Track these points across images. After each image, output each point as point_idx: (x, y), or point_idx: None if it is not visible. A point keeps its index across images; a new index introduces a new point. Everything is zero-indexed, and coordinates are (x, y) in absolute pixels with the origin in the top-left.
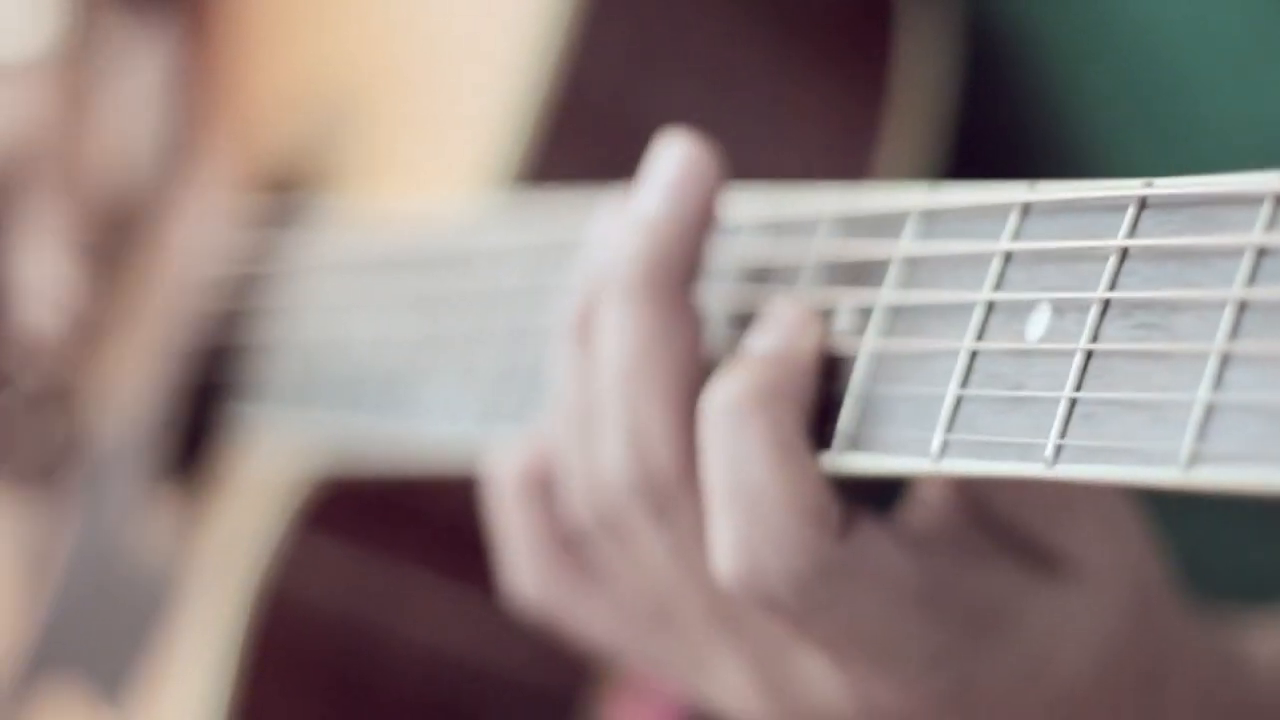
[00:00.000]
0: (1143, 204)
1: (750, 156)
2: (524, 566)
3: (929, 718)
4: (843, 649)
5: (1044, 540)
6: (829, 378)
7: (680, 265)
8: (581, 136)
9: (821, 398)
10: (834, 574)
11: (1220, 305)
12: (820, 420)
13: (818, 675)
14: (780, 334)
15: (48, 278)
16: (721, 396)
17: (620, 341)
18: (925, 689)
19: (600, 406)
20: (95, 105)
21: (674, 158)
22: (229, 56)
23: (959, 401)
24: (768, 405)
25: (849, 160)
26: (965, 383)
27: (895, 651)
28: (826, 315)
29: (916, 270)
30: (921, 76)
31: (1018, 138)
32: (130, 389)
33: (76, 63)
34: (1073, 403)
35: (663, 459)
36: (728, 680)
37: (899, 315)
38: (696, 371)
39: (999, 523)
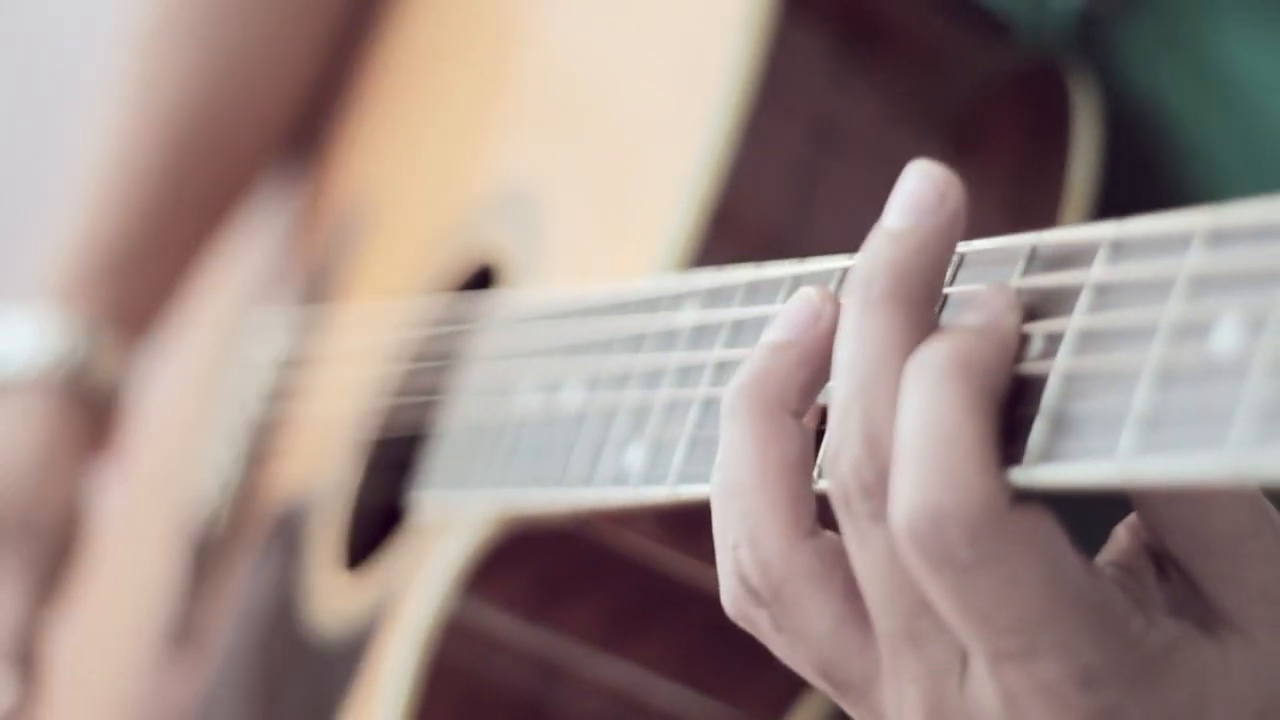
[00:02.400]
0: None
1: None
2: (754, 528)
3: None
4: (1000, 630)
5: (1213, 593)
6: (1022, 401)
7: (922, 279)
8: (745, 243)
9: (1014, 419)
10: (1004, 529)
11: None
12: (1011, 439)
13: (981, 695)
14: (984, 311)
15: None
16: (925, 355)
17: (860, 345)
18: (1076, 712)
19: (840, 410)
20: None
21: (921, 177)
22: (391, 163)
23: (1145, 412)
24: (967, 369)
25: None
26: (1152, 396)
27: (1050, 650)
28: (1023, 340)
29: (1105, 296)
30: (1086, 160)
31: (1153, 207)
32: (317, 480)
33: (74, 384)
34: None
35: (875, 469)
36: (907, 702)
37: (1088, 339)
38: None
39: (1176, 569)
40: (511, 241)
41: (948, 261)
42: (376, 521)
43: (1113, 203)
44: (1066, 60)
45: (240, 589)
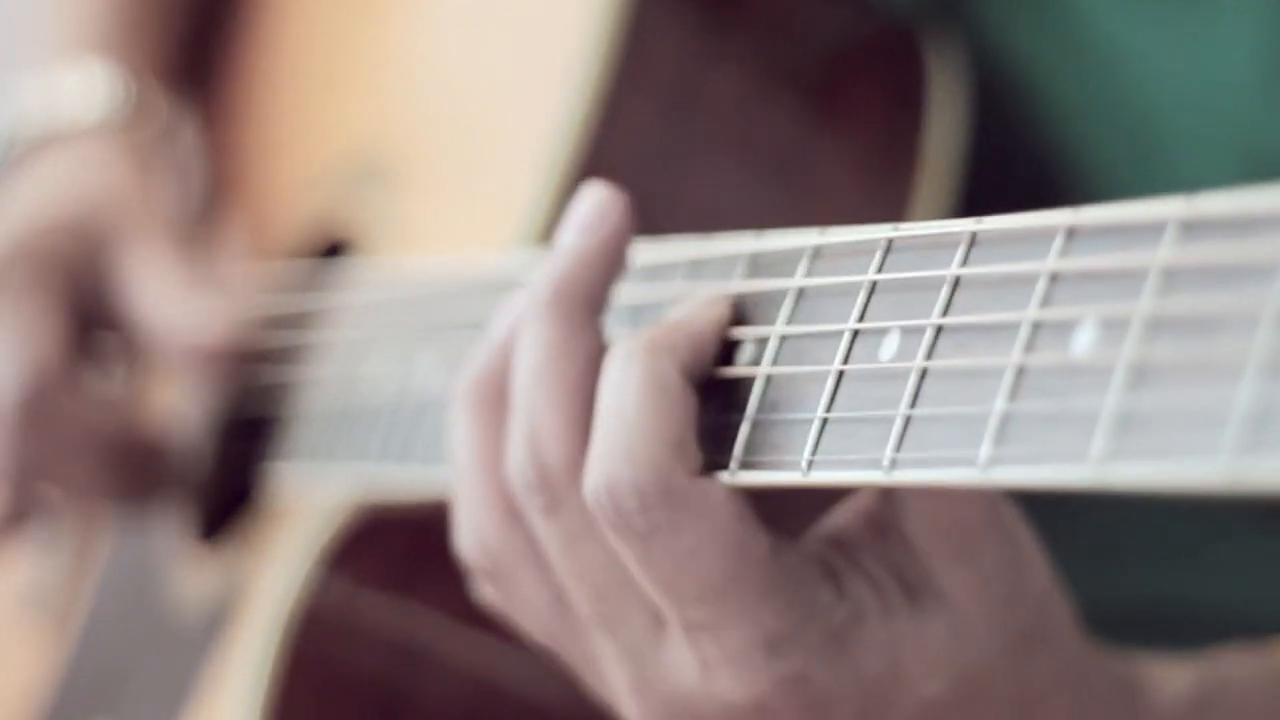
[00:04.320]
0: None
1: (777, 220)
2: (473, 512)
3: (774, 713)
4: (686, 600)
5: (936, 569)
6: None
7: (583, 290)
8: None
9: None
10: (676, 499)
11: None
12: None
13: (680, 663)
14: (685, 308)
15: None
16: (621, 344)
17: (527, 352)
18: (764, 677)
19: (513, 406)
20: (160, 168)
21: (588, 199)
22: (252, 126)
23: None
24: (653, 352)
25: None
26: (832, 405)
27: (735, 619)
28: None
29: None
30: (944, 125)
31: (1017, 169)
32: (173, 447)
33: (135, 129)
34: (907, 419)
35: (554, 456)
36: (613, 679)
37: (785, 345)
38: (593, 384)
39: (902, 542)
40: (365, 212)
41: (613, 273)
42: (232, 493)
43: (980, 167)
44: (925, 25)
45: (104, 556)
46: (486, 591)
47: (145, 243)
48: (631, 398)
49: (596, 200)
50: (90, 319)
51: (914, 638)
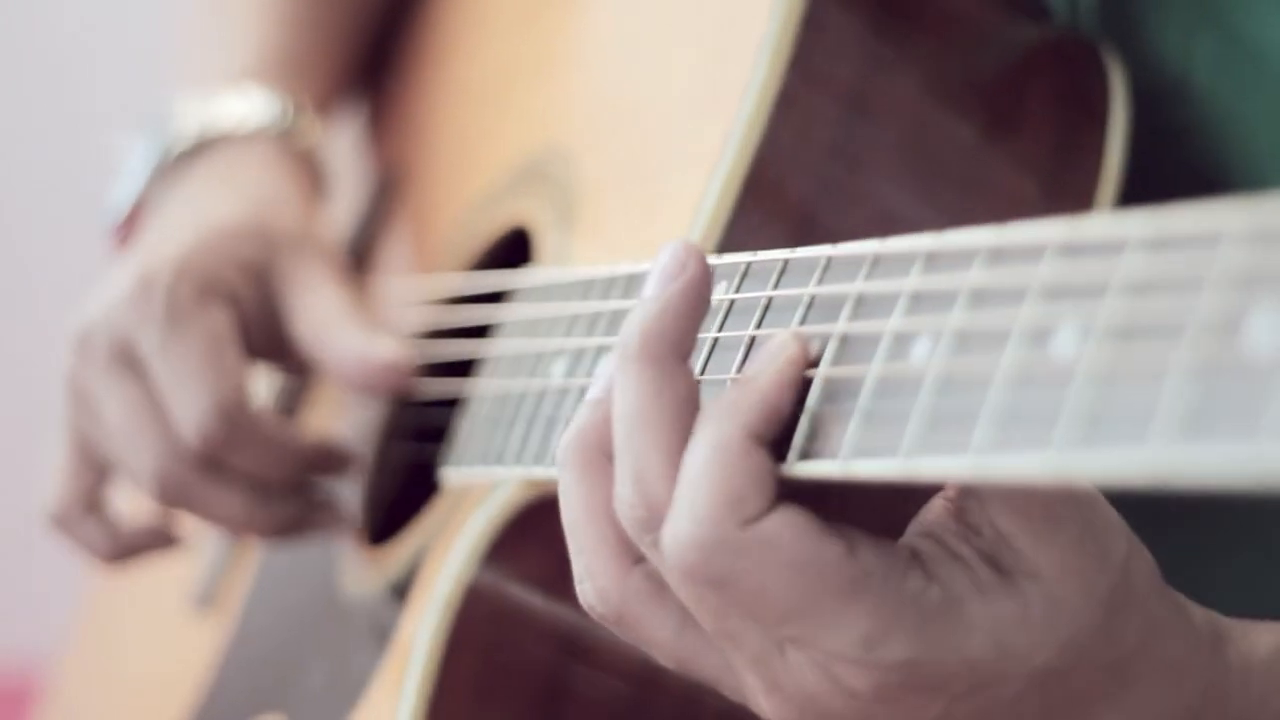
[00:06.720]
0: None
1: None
2: (589, 560)
3: (892, 702)
4: (774, 623)
5: (1023, 548)
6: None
7: (670, 337)
8: (777, 219)
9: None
10: (733, 550)
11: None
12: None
13: (799, 665)
14: (759, 361)
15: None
16: (706, 407)
17: (624, 401)
18: (874, 669)
19: (616, 453)
20: (321, 178)
21: (667, 251)
22: (428, 137)
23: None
24: (720, 417)
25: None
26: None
27: (826, 628)
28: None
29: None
30: (1119, 133)
31: (1175, 175)
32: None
33: (294, 138)
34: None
35: (659, 492)
36: (747, 685)
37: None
38: (687, 423)
39: (990, 527)
40: (544, 207)
41: (696, 318)
42: (405, 488)
43: (1140, 178)
44: (1098, 35)
45: (261, 551)
46: (614, 631)
47: (312, 254)
48: (698, 461)
49: (675, 251)
50: (251, 323)
51: (1014, 616)
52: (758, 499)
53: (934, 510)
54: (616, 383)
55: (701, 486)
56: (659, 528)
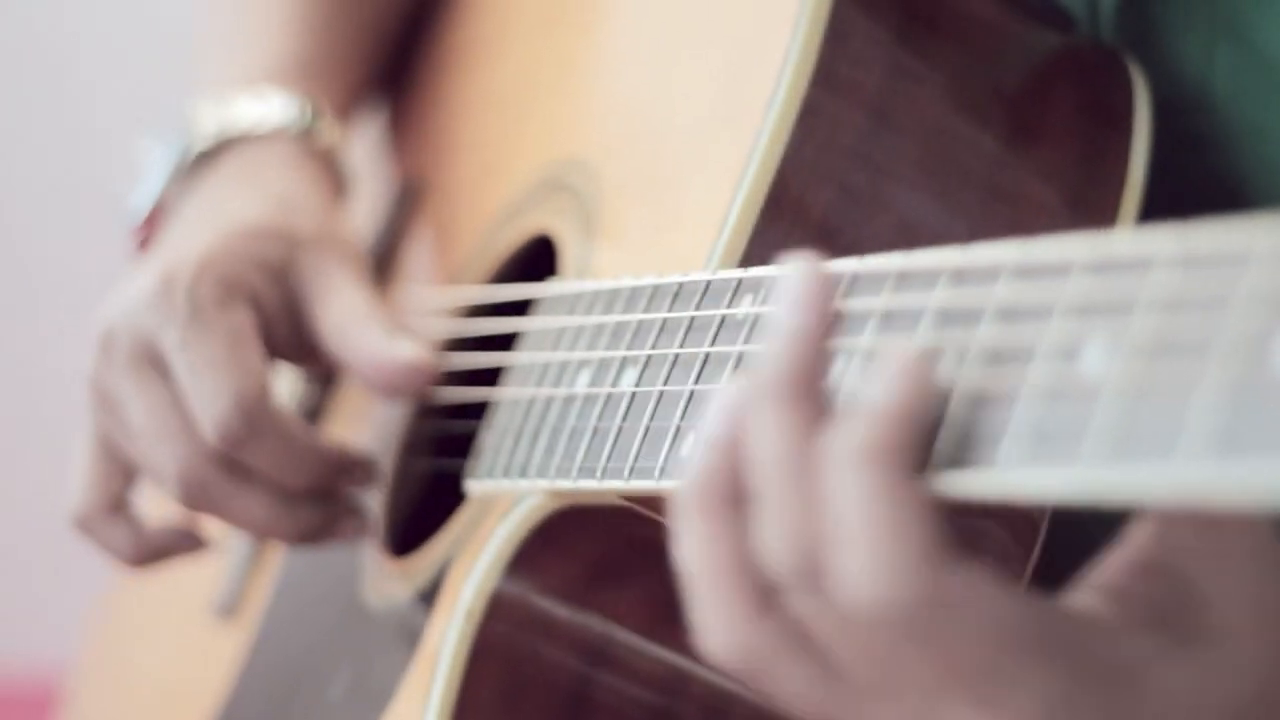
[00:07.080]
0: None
1: (977, 237)
2: (719, 612)
3: None
4: (963, 682)
5: (1203, 599)
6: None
7: (812, 368)
8: (800, 229)
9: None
10: (933, 603)
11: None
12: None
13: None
14: (884, 386)
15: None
16: (839, 443)
17: (767, 442)
18: None
19: (759, 497)
20: (343, 178)
21: (794, 273)
22: (449, 144)
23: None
24: (870, 462)
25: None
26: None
27: (1014, 688)
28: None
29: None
30: (1142, 143)
31: (1194, 186)
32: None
33: (315, 138)
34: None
35: (818, 539)
36: None
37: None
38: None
39: (1166, 579)
40: (565, 218)
41: (829, 349)
42: (426, 500)
43: (1159, 187)
44: (1118, 44)
45: (281, 558)
46: (745, 679)
47: (334, 253)
48: (866, 509)
49: (805, 273)
50: (273, 322)
51: (1195, 685)
52: (939, 542)
53: (1114, 567)
54: (755, 424)
55: (885, 540)
56: (820, 578)
